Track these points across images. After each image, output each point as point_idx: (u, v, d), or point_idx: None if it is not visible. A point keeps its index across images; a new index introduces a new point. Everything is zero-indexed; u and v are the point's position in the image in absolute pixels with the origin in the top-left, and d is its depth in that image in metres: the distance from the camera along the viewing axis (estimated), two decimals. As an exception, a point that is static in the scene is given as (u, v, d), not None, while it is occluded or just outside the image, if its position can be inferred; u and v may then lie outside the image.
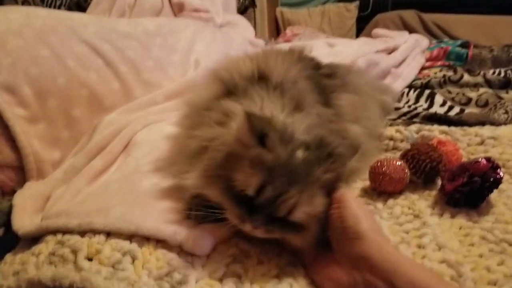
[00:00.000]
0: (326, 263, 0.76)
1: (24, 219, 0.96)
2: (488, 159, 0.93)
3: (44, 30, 1.38)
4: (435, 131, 1.25)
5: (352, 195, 0.81)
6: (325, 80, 1.15)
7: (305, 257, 0.80)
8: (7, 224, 0.99)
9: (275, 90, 0.94)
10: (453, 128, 1.27)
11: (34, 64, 1.27)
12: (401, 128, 1.29)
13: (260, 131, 0.75)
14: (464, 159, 1.10)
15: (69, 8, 2.06)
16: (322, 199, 0.76)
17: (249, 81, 0.99)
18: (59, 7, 2.04)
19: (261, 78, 0.99)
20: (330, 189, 0.77)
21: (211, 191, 0.79)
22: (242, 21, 2.73)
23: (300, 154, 0.76)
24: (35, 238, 0.89)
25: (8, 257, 0.87)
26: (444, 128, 1.27)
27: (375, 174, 1.01)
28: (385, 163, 1.01)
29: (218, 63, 1.20)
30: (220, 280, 0.74)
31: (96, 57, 1.46)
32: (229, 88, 0.99)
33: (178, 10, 2.32)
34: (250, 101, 0.88)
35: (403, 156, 1.06)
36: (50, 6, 2.01)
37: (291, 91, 0.96)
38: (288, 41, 3.56)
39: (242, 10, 3.23)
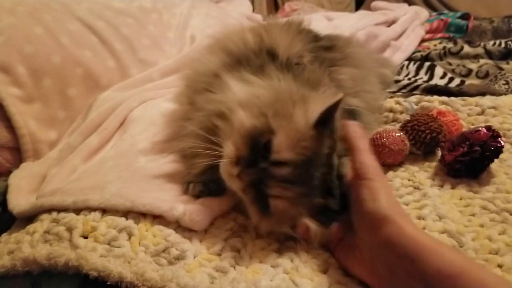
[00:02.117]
0: (353, 247, 0.71)
1: (19, 199, 0.95)
2: (488, 128, 0.92)
3: (37, 7, 1.35)
4: (435, 102, 1.23)
5: (374, 165, 0.72)
6: (324, 53, 1.13)
7: (332, 239, 0.76)
8: (3, 204, 0.98)
9: (288, 70, 0.92)
10: (453, 99, 1.25)
11: (28, 43, 1.25)
12: (401, 99, 1.27)
13: (327, 128, 0.73)
14: (465, 129, 1.09)
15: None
16: (298, 209, 0.73)
17: (261, 56, 0.97)
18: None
19: (269, 54, 0.97)
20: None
21: (243, 114, 0.76)
22: (238, -5, 2.69)
23: (318, 172, 0.73)
24: (31, 217, 0.88)
25: (3, 236, 0.86)
26: (444, 98, 1.25)
27: (375, 146, 1.00)
28: (384, 135, 0.99)
29: (217, 33, 1.17)
30: (219, 254, 0.74)
31: (90, 34, 1.43)
32: (240, 59, 0.97)
33: (174, -15, 2.28)
34: (270, 80, 0.86)
35: (403, 127, 1.05)
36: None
37: (304, 73, 0.93)
38: (287, 16, 3.52)
39: (240, -15, 3.17)
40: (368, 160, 0.71)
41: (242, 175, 0.72)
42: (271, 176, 0.71)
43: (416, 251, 0.58)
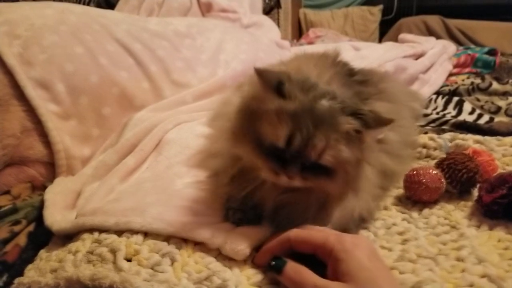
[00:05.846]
0: None
1: (55, 215, 0.96)
2: (529, 171, 0.92)
3: (78, 27, 1.39)
4: (469, 140, 1.23)
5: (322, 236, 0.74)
6: (358, 87, 1.14)
7: None
8: (38, 218, 0.99)
9: None
10: (487, 138, 1.25)
11: (69, 61, 1.28)
12: (435, 136, 1.27)
13: (275, 83, 0.74)
14: (500, 170, 1.08)
15: (98, 5, 2.08)
16: (346, 147, 0.74)
17: None
18: (88, 4, 2.05)
19: None
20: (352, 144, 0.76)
21: (242, 149, 0.78)
22: (267, 22, 2.72)
23: (325, 102, 0.75)
24: (68, 235, 0.89)
25: (43, 253, 0.87)
26: (479, 137, 1.25)
27: (411, 182, 1.00)
28: (421, 172, 0.99)
29: (244, 78, 1.19)
30: (259, 286, 0.74)
31: (127, 56, 1.46)
32: None
33: (206, 10, 2.33)
34: None
35: (439, 165, 1.05)
36: (79, 2, 2.02)
37: None
38: (310, 42, 3.56)
39: (267, 11, 3.23)
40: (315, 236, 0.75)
41: (291, 175, 0.73)
42: (300, 149, 0.72)
43: None
